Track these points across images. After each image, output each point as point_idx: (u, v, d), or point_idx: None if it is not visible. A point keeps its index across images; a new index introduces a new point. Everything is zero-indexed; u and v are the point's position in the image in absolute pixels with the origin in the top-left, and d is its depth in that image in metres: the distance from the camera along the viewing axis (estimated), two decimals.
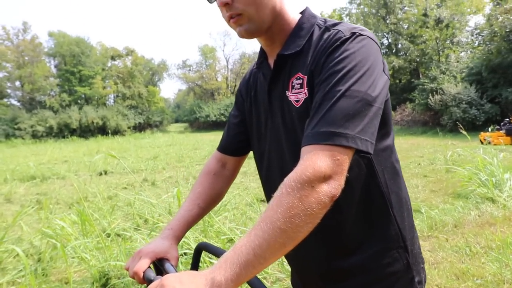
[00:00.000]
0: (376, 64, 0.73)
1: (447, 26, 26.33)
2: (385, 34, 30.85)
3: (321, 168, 0.63)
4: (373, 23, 30.13)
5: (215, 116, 40.66)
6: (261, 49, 0.93)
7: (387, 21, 29.10)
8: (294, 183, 0.63)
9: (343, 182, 0.65)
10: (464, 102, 18.71)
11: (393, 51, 30.67)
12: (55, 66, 37.99)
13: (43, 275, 3.10)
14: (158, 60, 52.59)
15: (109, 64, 40.57)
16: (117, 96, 39.96)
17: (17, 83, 35.49)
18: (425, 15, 26.79)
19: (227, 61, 52.64)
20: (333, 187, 0.63)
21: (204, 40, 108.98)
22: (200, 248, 0.97)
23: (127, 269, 0.86)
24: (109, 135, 31.85)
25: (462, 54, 27.20)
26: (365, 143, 0.67)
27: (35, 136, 30.43)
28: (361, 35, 0.75)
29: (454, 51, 26.56)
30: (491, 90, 19.29)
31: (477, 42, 26.18)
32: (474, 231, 3.83)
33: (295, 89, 0.81)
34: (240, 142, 1.05)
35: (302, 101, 0.79)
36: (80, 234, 3.17)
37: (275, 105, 0.87)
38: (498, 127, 13.42)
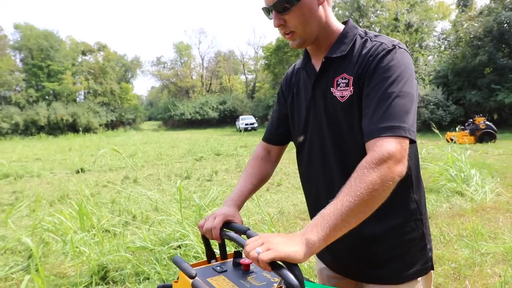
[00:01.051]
0: (412, 72, 0.93)
1: (416, 30, 27.55)
2: None
3: (394, 153, 0.81)
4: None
5: (190, 114, 40.28)
6: (306, 52, 1.10)
7: (360, 24, 30.00)
8: (374, 164, 0.81)
9: (406, 166, 0.85)
10: (431, 104, 19.71)
11: None
12: (21, 60, 36.26)
13: (36, 270, 3.10)
14: (131, 57, 51.47)
15: (79, 59, 39.19)
16: (88, 92, 38.67)
17: None
18: (396, 19, 27.90)
19: (202, 59, 52.24)
20: (402, 168, 0.83)
21: (179, 37, 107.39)
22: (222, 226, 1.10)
23: (201, 227, 1.03)
24: (80, 132, 30.81)
25: (430, 57, 28.60)
26: (414, 134, 0.87)
27: None
28: (400, 48, 0.94)
29: (422, 54, 27.84)
30: (456, 93, 20.44)
31: (443, 47, 27.63)
32: (446, 221, 4.18)
33: (340, 87, 0.99)
34: (282, 134, 1.23)
35: (347, 97, 0.97)
36: (78, 229, 3.18)
37: (318, 100, 1.04)
38: (462, 127, 14.29)
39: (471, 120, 14.17)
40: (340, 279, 1.14)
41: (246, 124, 30.27)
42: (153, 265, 2.88)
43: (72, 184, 7.33)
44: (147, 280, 2.81)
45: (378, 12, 30.06)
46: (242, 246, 0.85)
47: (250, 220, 4.18)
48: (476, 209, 4.65)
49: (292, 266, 0.73)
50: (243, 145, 15.35)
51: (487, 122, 13.49)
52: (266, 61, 39.48)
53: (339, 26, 1.05)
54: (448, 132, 14.32)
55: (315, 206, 1.11)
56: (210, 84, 51.39)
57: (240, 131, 29.07)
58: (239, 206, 1.11)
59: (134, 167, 9.56)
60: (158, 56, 66.02)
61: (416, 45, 28.13)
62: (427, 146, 10.13)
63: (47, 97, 35.44)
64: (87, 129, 33.40)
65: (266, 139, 1.27)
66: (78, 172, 9.24)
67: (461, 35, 20.99)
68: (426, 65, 25.14)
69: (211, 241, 1.10)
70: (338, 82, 0.99)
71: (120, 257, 3.03)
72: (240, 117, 33.05)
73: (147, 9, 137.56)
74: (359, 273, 1.07)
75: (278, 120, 1.23)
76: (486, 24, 19.12)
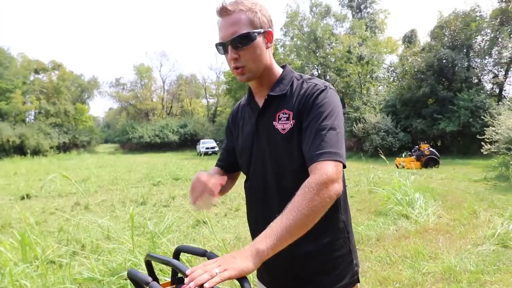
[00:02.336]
0: (340, 108, 1.14)
1: (367, 62, 29.55)
2: (315, 66, 33.43)
3: (332, 174, 0.98)
4: (305, 55, 32.51)
5: (149, 137, 39.33)
6: (250, 90, 1.27)
7: (317, 54, 31.68)
8: (314, 184, 0.96)
9: (342, 186, 1.00)
10: (382, 131, 20.96)
11: None
12: None
13: None
14: (88, 77, 49.67)
15: (31, 78, 37.17)
16: (40, 112, 36.53)
17: None
18: (349, 51, 29.81)
19: (164, 82, 51.78)
20: (338, 187, 0.99)
21: (140, 59, 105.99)
22: (179, 251, 1.16)
23: (194, 201, 1.16)
24: (28, 155, 28.79)
25: (380, 88, 30.64)
26: (344, 159, 1.05)
27: None
28: (330, 88, 1.16)
29: (373, 85, 29.78)
30: (404, 121, 21.97)
31: (392, 78, 29.82)
32: (393, 243, 4.43)
33: (282, 120, 1.15)
34: (231, 164, 1.39)
35: (288, 129, 1.13)
36: (19, 260, 2.97)
37: (262, 132, 1.20)
38: (410, 153, 15.31)
39: (416, 147, 15.23)
40: None
41: (207, 148, 30.13)
42: None
43: (15, 211, 6.84)
44: None
45: (333, 44, 31.97)
46: (184, 273, 0.89)
47: (206, 246, 4.16)
48: (419, 231, 4.98)
49: (243, 281, 0.85)
50: (203, 169, 15.16)
51: (431, 149, 14.57)
52: (228, 86, 40.02)
53: (279, 69, 1.23)
54: (397, 158, 15.26)
55: (254, 231, 1.24)
56: (171, 107, 50.85)
57: (201, 155, 28.77)
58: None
59: (86, 193, 9.13)
60: (117, 77, 64.57)
61: (368, 76, 30.10)
62: (377, 171, 10.70)
63: None
64: (36, 152, 31.30)
65: (219, 165, 1.40)
66: (23, 198, 8.64)
67: (407, 68, 22.85)
68: (377, 94, 26.82)
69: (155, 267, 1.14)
70: (280, 117, 1.15)
71: None
72: (201, 140, 32.86)
73: (107, 29, 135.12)
74: None
75: (227, 152, 1.38)
76: (428, 60, 21.01)
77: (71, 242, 4.53)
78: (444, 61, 20.88)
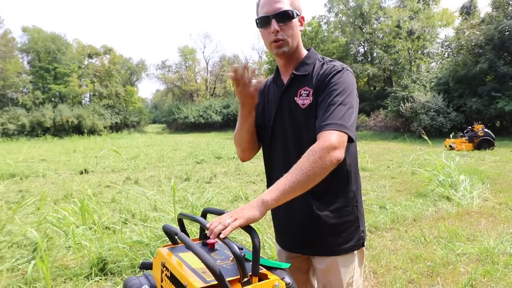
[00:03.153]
0: (354, 88, 1.25)
1: (418, 37, 27.72)
2: (361, 42, 32.04)
3: (333, 141, 1.10)
4: (350, 32, 31.23)
5: (194, 117, 40.59)
6: (277, 69, 1.42)
7: (364, 31, 30.27)
8: (317, 149, 1.09)
9: (344, 153, 1.13)
10: (432, 110, 19.82)
11: (369, 59, 31.90)
12: (29, 63, 36.82)
13: (41, 259, 3.34)
14: (136, 60, 52.04)
15: (85, 62, 39.72)
16: (94, 95, 39.16)
17: None
18: (398, 26, 28.10)
19: (207, 63, 52.69)
20: (339, 154, 1.10)
21: (184, 41, 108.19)
22: (205, 212, 1.34)
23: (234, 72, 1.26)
24: (85, 134, 31.22)
25: (432, 64, 28.71)
26: (352, 132, 1.16)
27: (6, 134, 29.41)
28: (347, 70, 1.27)
29: (424, 61, 27.99)
30: (457, 100, 20.53)
31: (446, 54, 27.75)
32: (429, 224, 4.37)
33: (303, 96, 1.29)
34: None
35: (307, 104, 1.28)
36: (80, 224, 3.42)
37: (285, 106, 1.34)
38: (461, 134, 14.41)
39: (470, 127, 14.30)
40: (294, 258, 1.40)
41: None
42: (148, 258, 3.11)
43: (75, 184, 7.61)
44: (142, 272, 3.04)
45: (381, 19, 30.29)
46: (205, 226, 1.09)
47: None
48: (461, 213, 4.83)
49: (251, 231, 1.00)
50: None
51: (486, 130, 13.60)
52: (270, 66, 39.85)
53: (305, 51, 1.38)
54: (447, 139, 14.46)
55: (272, 175, 1.42)
56: (214, 88, 51.78)
57: None
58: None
59: (136, 169, 9.84)
60: (163, 59, 67.06)
61: (419, 52, 28.28)
62: (422, 153, 10.29)
63: (53, 99, 35.97)
64: (92, 131, 33.82)
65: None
66: (82, 173, 9.53)
67: (463, 42, 21.10)
68: (428, 72, 25.23)
69: (186, 225, 1.34)
70: (301, 93, 1.30)
71: (118, 251, 3.26)
72: None
73: (152, 13, 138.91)
74: (308, 247, 1.34)
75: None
76: (488, 32, 19.25)
77: (123, 212, 5.01)
78: (506, 33, 19.00)
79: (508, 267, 3.09)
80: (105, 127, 36.22)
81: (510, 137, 17.72)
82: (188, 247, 1.08)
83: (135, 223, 4.20)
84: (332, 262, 1.31)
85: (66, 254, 3.55)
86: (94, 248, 3.19)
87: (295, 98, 1.30)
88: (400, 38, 27.77)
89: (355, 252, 1.33)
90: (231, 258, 1.12)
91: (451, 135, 14.70)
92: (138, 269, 2.97)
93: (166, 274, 1.15)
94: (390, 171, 8.68)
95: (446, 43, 27.03)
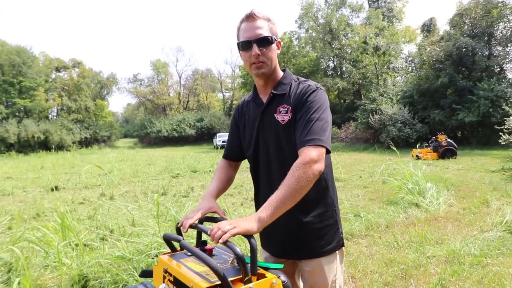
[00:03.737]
0: (327, 105, 1.40)
1: (384, 53, 29.14)
2: (331, 57, 33.19)
3: (314, 156, 1.24)
4: (320, 47, 32.32)
5: (167, 131, 40.11)
6: (254, 88, 1.56)
7: (333, 46, 31.43)
8: (300, 164, 1.22)
9: (323, 164, 1.26)
10: (399, 122, 20.79)
11: (338, 73, 33.05)
12: None
13: (18, 283, 3.23)
14: (107, 73, 50.89)
15: (53, 76, 38.43)
16: (62, 109, 37.81)
17: None
18: (365, 42, 29.46)
19: (180, 77, 52.42)
20: (320, 166, 1.25)
21: (157, 54, 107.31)
22: (202, 220, 1.44)
23: (180, 226, 1.33)
24: (52, 150, 29.97)
25: (398, 78, 30.17)
26: (328, 145, 1.31)
27: None
28: (321, 89, 1.43)
29: (390, 75, 29.38)
30: (422, 112, 21.68)
31: (410, 68, 29.29)
32: (401, 230, 4.62)
33: (282, 113, 1.43)
34: (236, 152, 1.66)
35: (287, 120, 1.41)
36: (60, 241, 3.35)
37: (266, 123, 1.47)
38: (426, 144, 15.21)
39: (434, 137, 15.12)
40: (281, 263, 1.49)
41: (224, 141, 30.52)
42: (131, 273, 3.10)
43: (46, 201, 7.35)
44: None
45: (349, 35, 31.62)
46: (206, 232, 1.20)
47: None
48: (429, 219, 5.14)
49: (249, 237, 1.12)
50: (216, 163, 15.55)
51: (448, 140, 14.44)
52: (243, 80, 40.32)
53: (281, 72, 1.52)
54: (414, 149, 15.20)
55: (258, 196, 1.57)
56: (188, 101, 51.53)
57: (217, 148, 29.33)
58: (216, 198, 1.51)
59: (110, 185, 9.63)
60: (134, 73, 65.95)
61: (385, 67, 29.67)
62: (391, 163, 10.76)
63: (17, 113, 34.35)
64: (60, 147, 32.52)
65: (225, 156, 1.68)
66: (52, 190, 9.18)
67: (425, 58, 22.45)
68: (394, 85, 26.48)
69: (184, 234, 1.43)
70: (280, 110, 1.43)
71: (100, 267, 3.23)
72: (217, 134, 33.32)
73: (124, 26, 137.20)
74: (295, 252, 1.46)
75: (233, 141, 1.66)
76: (447, 49, 20.61)
77: (100, 228, 4.92)
78: (463, 49, 20.43)
79: (473, 267, 3.35)
80: (73, 142, 34.96)
81: (471, 147, 18.88)
82: (192, 252, 1.18)
83: (117, 239, 4.16)
84: (317, 263, 1.44)
85: (44, 273, 3.46)
86: (75, 265, 3.14)
87: (275, 115, 1.43)
88: (367, 54, 29.07)
89: (337, 252, 1.48)
90: (230, 261, 1.23)
91: (417, 145, 15.50)
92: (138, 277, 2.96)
93: (169, 279, 1.23)
94: (362, 181, 9.02)
95: (409, 58, 28.59)
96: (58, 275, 3.30)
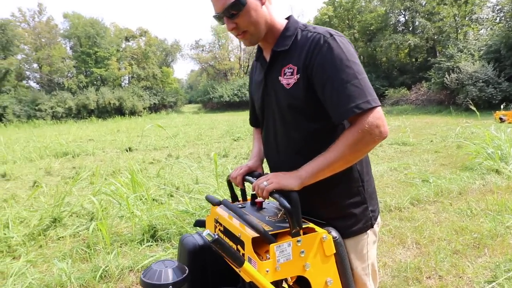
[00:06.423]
0: (353, 52, 1.11)
1: (466, 2, 25.57)
2: (401, 11, 30.15)
3: (372, 122, 1.02)
4: (389, 0, 29.42)
5: (228, 96, 40.85)
6: (258, 46, 1.30)
7: None
8: (356, 129, 1.04)
9: (387, 128, 1.06)
10: (481, 81, 18.47)
11: (410, 29, 30.05)
12: (71, 48, 38.58)
13: (98, 230, 3.65)
14: (171, 41, 52.73)
15: (123, 45, 40.90)
16: (132, 77, 40.48)
17: (35, 65, 36.37)
18: None
19: (240, 41, 52.27)
20: (386, 130, 1.05)
21: None
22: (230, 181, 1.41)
23: (231, 177, 1.35)
24: (126, 115, 32.61)
25: (482, 31, 26.48)
26: (377, 100, 1.06)
27: (55, 117, 31.40)
28: (337, 35, 1.11)
29: (472, 28, 25.89)
30: (510, 69, 18.93)
31: (498, 19, 25.41)
32: (477, 197, 4.21)
33: (287, 75, 1.16)
34: (257, 118, 1.48)
35: (292, 84, 1.15)
36: (131, 195, 3.69)
37: (270, 86, 1.24)
38: None
39: None
40: None
41: None
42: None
43: (122, 161, 8.09)
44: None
45: None
46: (251, 183, 1.18)
47: None
48: (511, 187, 4.59)
49: (289, 192, 1.05)
50: None
51: None
52: None
53: (282, 22, 1.22)
54: (497, 111, 13.53)
55: (268, 158, 1.39)
56: (248, 66, 51.51)
57: None
58: (261, 159, 1.45)
59: (176, 147, 10.24)
60: (196, 39, 67.20)
61: (466, 19, 26.15)
62: (469, 126, 9.74)
63: (95, 82, 37.64)
64: (132, 112, 35.21)
65: (250, 123, 1.60)
66: (126, 150, 10.06)
67: None
68: (477, 39, 23.32)
69: (235, 188, 1.43)
70: (285, 72, 1.17)
71: (166, 220, 3.49)
72: None
73: None
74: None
75: (252, 107, 1.50)
76: None
77: (167, 185, 5.28)
78: None
79: None
80: (144, 108, 37.52)
81: None
82: (231, 210, 1.18)
83: (180, 195, 4.44)
84: None
85: (119, 223, 3.85)
86: (145, 217, 3.43)
87: (279, 77, 1.18)
88: (445, 4, 25.77)
89: (367, 232, 1.25)
90: (279, 215, 1.19)
91: (501, 107, 13.73)
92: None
93: (220, 229, 1.24)
94: (433, 145, 8.33)
95: (498, 7, 24.70)
96: (131, 225, 3.64)
